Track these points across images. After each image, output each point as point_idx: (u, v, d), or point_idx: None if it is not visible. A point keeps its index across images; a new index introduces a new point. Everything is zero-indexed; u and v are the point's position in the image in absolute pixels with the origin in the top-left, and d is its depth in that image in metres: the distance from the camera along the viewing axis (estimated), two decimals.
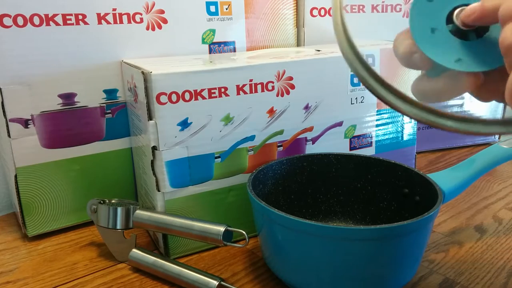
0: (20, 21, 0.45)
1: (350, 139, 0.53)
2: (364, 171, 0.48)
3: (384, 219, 0.46)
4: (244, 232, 0.39)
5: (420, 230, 0.35)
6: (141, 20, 0.52)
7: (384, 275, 0.36)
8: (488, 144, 0.78)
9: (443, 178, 0.41)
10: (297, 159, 0.48)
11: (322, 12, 0.66)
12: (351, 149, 0.54)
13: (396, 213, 0.45)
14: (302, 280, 0.37)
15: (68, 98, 0.50)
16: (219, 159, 0.45)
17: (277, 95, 0.47)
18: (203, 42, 0.56)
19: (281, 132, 0.48)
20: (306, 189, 0.49)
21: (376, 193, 0.47)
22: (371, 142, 0.55)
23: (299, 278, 0.37)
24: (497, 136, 0.79)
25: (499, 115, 0.77)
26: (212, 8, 0.56)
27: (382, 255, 0.34)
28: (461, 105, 0.74)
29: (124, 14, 0.50)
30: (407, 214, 0.44)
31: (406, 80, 0.54)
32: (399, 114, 0.56)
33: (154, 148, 0.42)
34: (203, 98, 0.43)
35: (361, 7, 0.68)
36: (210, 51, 0.57)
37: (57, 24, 0.47)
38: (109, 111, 0.52)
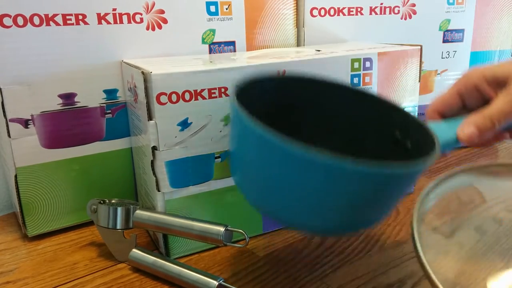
0: (20, 21, 0.45)
1: None
2: (357, 107, 0.43)
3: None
4: (244, 232, 0.39)
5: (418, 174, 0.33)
6: (141, 20, 0.52)
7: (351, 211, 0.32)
8: None
9: (438, 129, 0.38)
10: (288, 79, 0.42)
11: (322, 12, 0.66)
12: None
13: (379, 158, 0.41)
14: (266, 198, 0.34)
15: (68, 98, 0.50)
16: (219, 159, 0.45)
17: None
18: (203, 42, 0.56)
19: None
20: (290, 117, 0.43)
21: (363, 133, 0.43)
22: None
23: (264, 197, 0.34)
24: None
25: None
26: (212, 8, 0.56)
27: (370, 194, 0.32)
28: None
29: (124, 14, 0.50)
30: (391, 159, 0.40)
31: (403, 84, 0.54)
32: None
33: (154, 148, 0.42)
34: (203, 98, 0.43)
35: (359, 9, 0.68)
36: (210, 51, 0.57)
37: (57, 24, 0.47)
38: (109, 111, 0.52)
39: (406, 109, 0.41)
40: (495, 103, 0.38)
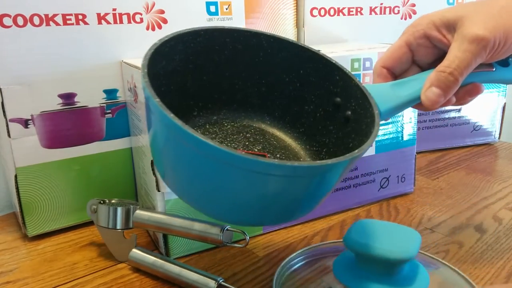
0: (20, 21, 0.45)
1: None
2: (298, 64, 0.40)
3: (305, 124, 0.41)
4: (244, 232, 0.39)
5: (343, 167, 0.30)
6: (141, 20, 0.52)
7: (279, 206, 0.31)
8: (488, 144, 0.78)
9: (382, 94, 0.35)
10: (219, 32, 0.38)
11: (322, 12, 0.66)
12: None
13: (319, 122, 0.40)
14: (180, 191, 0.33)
15: (68, 98, 0.50)
16: None
17: None
18: None
19: None
20: (223, 72, 0.40)
21: (304, 93, 0.40)
22: None
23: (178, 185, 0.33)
24: (497, 136, 0.79)
25: (497, 121, 0.77)
26: (212, 8, 0.56)
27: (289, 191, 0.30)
28: (459, 110, 0.74)
29: (124, 14, 0.50)
30: (331, 126, 0.38)
31: None
32: (399, 114, 0.56)
33: None
34: None
35: (359, 9, 0.68)
36: None
37: (57, 24, 0.47)
38: (109, 111, 0.52)
39: (349, 75, 0.37)
40: (451, 53, 0.34)
